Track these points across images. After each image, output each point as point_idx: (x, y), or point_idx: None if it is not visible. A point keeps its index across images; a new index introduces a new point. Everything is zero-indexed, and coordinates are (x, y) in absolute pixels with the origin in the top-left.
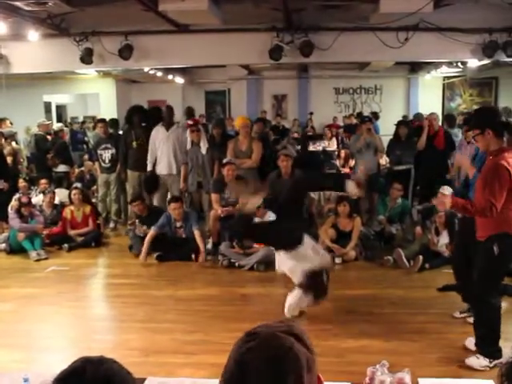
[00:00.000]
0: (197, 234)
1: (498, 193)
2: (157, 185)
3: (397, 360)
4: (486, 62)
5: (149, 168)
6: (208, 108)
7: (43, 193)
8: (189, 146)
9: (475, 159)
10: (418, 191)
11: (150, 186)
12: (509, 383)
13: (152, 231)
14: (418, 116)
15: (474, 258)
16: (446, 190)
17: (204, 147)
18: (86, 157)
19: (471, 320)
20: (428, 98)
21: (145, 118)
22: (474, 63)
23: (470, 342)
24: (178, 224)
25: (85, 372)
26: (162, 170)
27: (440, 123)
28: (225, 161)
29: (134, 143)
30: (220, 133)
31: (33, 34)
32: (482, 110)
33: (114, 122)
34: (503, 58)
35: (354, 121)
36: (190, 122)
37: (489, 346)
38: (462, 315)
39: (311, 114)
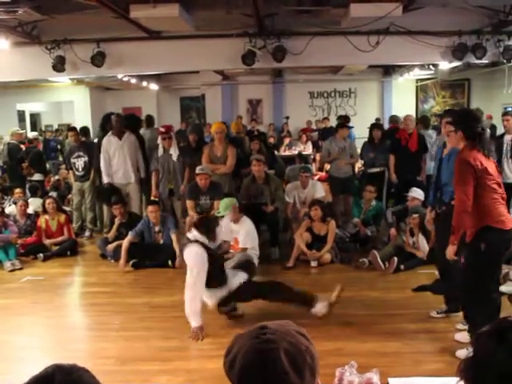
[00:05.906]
0: (174, 237)
1: (465, 187)
2: (118, 196)
3: (373, 361)
4: (456, 64)
5: (105, 180)
6: (183, 114)
7: (15, 203)
8: (160, 152)
9: (442, 161)
10: (392, 193)
11: (106, 198)
12: (466, 379)
13: (129, 236)
14: (393, 118)
15: (459, 256)
16: (415, 192)
17: (175, 154)
18: (64, 165)
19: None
20: (402, 100)
21: None
22: (445, 65)
23: (463, 336)
24: (157, 228)
25: (53, 379)
26: (119, 179)
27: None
28: (197, 170)
29: None
30: (196, 138)
31: (3, 42)
32: (464, 112)
33: (85, 130)
34: (473, 60)
35: (329, 124)
36: (162, 130)
37: None
38: (440, 315)
39: (287, 118)
